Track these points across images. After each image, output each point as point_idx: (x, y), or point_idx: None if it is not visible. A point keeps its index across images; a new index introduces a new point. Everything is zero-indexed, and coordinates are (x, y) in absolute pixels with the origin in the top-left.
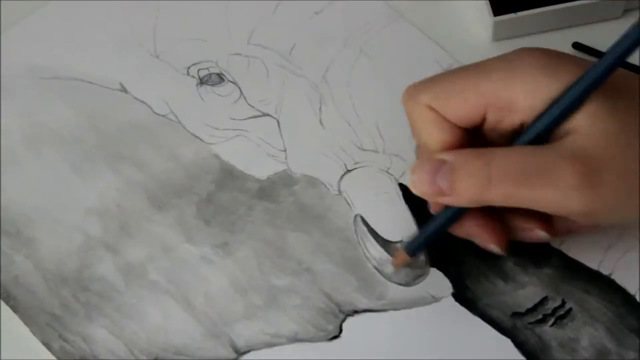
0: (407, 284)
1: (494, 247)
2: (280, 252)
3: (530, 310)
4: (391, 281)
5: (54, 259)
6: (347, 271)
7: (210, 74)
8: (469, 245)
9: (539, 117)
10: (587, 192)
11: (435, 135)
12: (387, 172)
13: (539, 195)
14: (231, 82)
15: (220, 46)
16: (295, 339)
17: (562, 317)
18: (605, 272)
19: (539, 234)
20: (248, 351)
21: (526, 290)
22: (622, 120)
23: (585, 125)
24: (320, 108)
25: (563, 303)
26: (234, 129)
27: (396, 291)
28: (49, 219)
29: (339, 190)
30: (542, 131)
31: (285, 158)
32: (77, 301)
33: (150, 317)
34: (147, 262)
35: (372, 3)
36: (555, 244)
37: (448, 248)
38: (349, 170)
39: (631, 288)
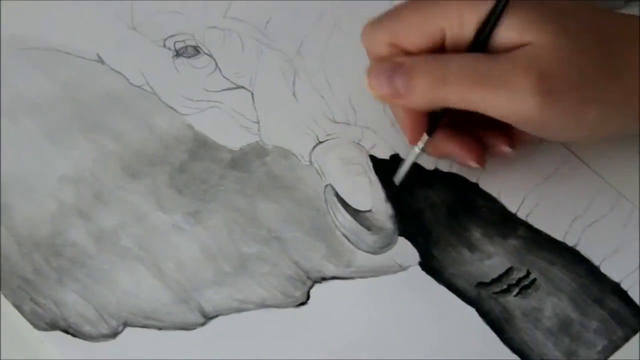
0: (374, 252)
1: (472, 163)
2: (251, 220)
3: (495, 281)
4: (359, 249)
5: (28, 224)
6: (316, 239)
7: (186, 47)
8: (437, 215)
9: (481, 25)
10: (539, 98)
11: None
12: (358, 143)
13: (493, 98)
14: (207, 54)
15: (197, 19)
16: (263, 305)
17: (527, 287)
18: (570, 243)
19: (504, 149)
20: (216, 316)
21: (492, 260)
22: (573, 37)
23: (540, 38)
24: (294, 81)
25: (528, 273)
26: (208, 101)
27: (364, 259)
28: (24, 185)
29: (310, 162)
30: (483, 36)
31: (258, 130)
32: (49, 266)
33: (120, 283)
34: (119, 229)
35: None
36: (522, 215)
37: (416, 217)
38: (320, 142)
39: (595, 259)
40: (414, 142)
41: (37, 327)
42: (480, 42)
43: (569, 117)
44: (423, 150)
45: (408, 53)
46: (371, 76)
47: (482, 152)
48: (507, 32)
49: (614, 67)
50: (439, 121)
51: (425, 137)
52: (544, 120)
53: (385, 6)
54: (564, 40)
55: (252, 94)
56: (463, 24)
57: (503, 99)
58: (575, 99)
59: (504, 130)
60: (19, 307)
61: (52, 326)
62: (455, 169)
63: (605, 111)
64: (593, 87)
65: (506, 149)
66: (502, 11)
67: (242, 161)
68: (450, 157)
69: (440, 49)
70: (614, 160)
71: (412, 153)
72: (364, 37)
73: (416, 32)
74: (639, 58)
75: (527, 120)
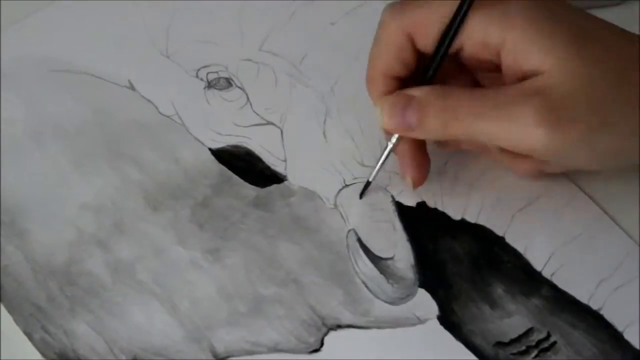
0: (393, 303)
1: (408, 180)
2: (270, 261)
3: (514, 341)
4: (378, 298)
5: (45, 251)
6: (335, 285)
7: (219, 78)
8: (459, 268)
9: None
10: (543, 130)
11: (393, 68)
12: (385, 189)
13: (499, 130)
14: (239, 87)
15: (232, 50)
16: (275, 349)
17: (546, 349)
18: (594, 306)
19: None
20: (227, 357)
21: (512, 319)
22: (589, 66)
23: (552, 65)
24: (325, 120)
25: (548, 336)
26: (236, 135)
27: (382, 309)
28: (44, 211)
29: (335, 205)
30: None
31: (285, 168)
32: (63, 294)
33: (133, 317)
34: (137, 261)
35: None
36: (547, 273)
37: (438, 269)
38: (347, 185)
39: (619, 325)
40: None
41: (46, 356)
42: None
43: (578, 146)
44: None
45: (417, 52)
46: (384, 110)
47: (424, 174)
48: (529, 60)
49: (628, 95)
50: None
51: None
52: (551, 150)
53: None
54: (579, 68)
55: (282, 131)
56: (489, 39)
57: (507, 130)
58: (584, 129)
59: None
60: (29, 335)
61: (61, 356)
62: (482, 221)
63: (618, 139)
64: (605, 115)
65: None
66: (465, 13)
67: (265, 200)
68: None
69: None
70: None
71: (387, 148)
72: (386, 14)
73: (435, 28)
74: None
75: (532, 150)
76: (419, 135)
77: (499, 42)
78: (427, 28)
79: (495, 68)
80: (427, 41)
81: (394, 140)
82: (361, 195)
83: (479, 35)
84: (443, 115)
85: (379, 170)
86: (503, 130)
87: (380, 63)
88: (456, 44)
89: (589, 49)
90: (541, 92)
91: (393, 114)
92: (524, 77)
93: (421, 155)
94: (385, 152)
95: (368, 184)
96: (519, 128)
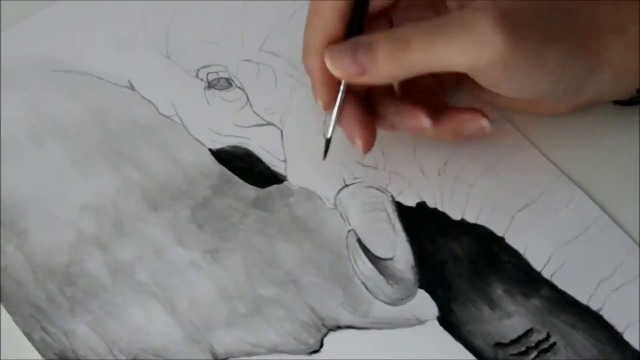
0: (393, 303)
1: (358, 142)
2: (270, 262)
3: (514, 342)
4: (378, 299)
5: (45, 252)
6: (334, 285)
7: (219, 78)
8: (459, 268)
9: None
10: (503, 35)
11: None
12: (385, 189)
13: (456, 47)
14: (239, 88)
15: (232, 51)
16: (275, 350)
17: (545, 350)
18: (594, 307)
19: (423, 121)
20: (227, 358)
21: (512, 320)
22: None
23: None
24: (324, 121)
25: (548, 336)
26: (236, 136)
27: (381, 310)
28: (44, 211)
29: (335, 205)
30: None
31: (285, 169)
32: (63, 295)
33: (133, 317)
34: (136, 262)
35: None
36: (547, 273)
37: (438, 269)
38: (346, 185)
39: (619, 325)
40: (327, 108)
41: (45, 357)
42: None
43: (533, 57)
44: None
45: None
46: (334, 57)
47: (373, 136)
48: None
49: (567, 9)
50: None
51: (343, 84)
52: (510, 60)
53: None
54: None
55: (282, 132)
56: None
57: (466, 43)
58: (537, 38)
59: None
60: (29, 335)
61: (61, 357)
62: (482, 221)
63: (565, 53)
64: (551, 26)
65: (484, 121)
66: None
67: (265, 200)
68: (342, 127)
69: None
70: None
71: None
72: None
73: None
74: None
75: (493, 63)
76: (373, 77)
77: None
78: None
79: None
80: None
81: (341, 87)
82: (324, 155)
83: None
84: (394, 45)
85: (334, 125)
86: (460, 47)
87: (317, 30)
88: None
89: None
90: (494, 4)
91: (343, 56)
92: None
93: (367, 117)
94: (337, 103)
95: (328, 141)
96: (475, 38)
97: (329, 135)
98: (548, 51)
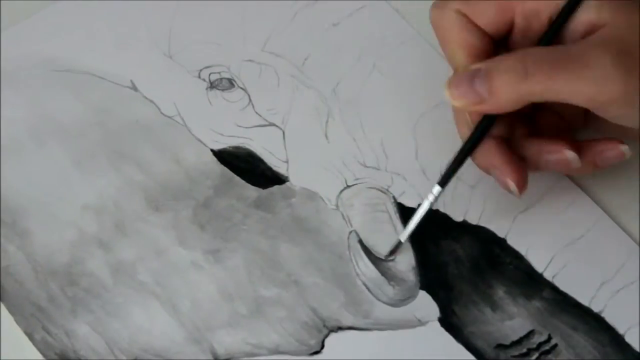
0: (394, 305)
1: (511, 185)
2: (271, 262)
3: (515, 343)
4: (379, 300)
5: (46, 251)
6: (336, 286)
7: (221, 79)
8: (461, 270)
9: (559, 13)
10: (622, 71)
11: (466, 40)
12: (387, 190)
13: (577, 81)
14: (241, 88)
15: (234, 51)
16: (276, 351)
17: (547, 352)
18: (596, 309)
19: (567, 154)
20: (227, 359)
21: (513, 321)
22: None
23: (611, 18)
24: (327, 121)
25: (549, 338)
26: (238, 136)
27: (382, 311)
28: (45, 211)
29: (337, 205)
30: (562, 23)
31: (287, 169)
32: (64, 295)
33: (134, 317)
34: (138, 262)
35: (391, 19)
36: (549, 275)
37: (440, 271)
38: (348, 186)
39: (620, 327)
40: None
41: (46, 356)
42: (557, 27)
43: None
44: (439, 194)
45: (476, 28)
46: (452, 87)
47: (525, 174)
48: (584, 15)
49: None
50: (485, 134)
51: (437, 188)
52: (630, 96)
53: (427, 50)
54: (635, 17)
55: (284, 133)
56: (539, 12)
57: (586, 79)
58: None
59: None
60: (30, 335)
61: (62, 357)
62: (483, 222)
63: None
64: None
65: (569, 153)
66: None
67: (267, 201)
68: (493, 174)
69: (507, 29)
70: None
71: (425, 204)
72: (432, 9)
73: (486, 5)
74: None
75: (611, 98)
76: (492, 106)
77: (551, 7)
78: (480, 6)
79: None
80: (484, 18)
81: (434, 195)
82: (392, 252)
83: (528, 3)
84: (513, 74)
85: (412, 230)
86: (580, 80)
87: (454, 47)
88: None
89: None
90: (613, 40)
91: (461, 84)
92: (585, 35)
93: (510, 153)
94: (424, 207)
95: (399, 244)
96: (596, 75)
97: (403, 239)
98: None
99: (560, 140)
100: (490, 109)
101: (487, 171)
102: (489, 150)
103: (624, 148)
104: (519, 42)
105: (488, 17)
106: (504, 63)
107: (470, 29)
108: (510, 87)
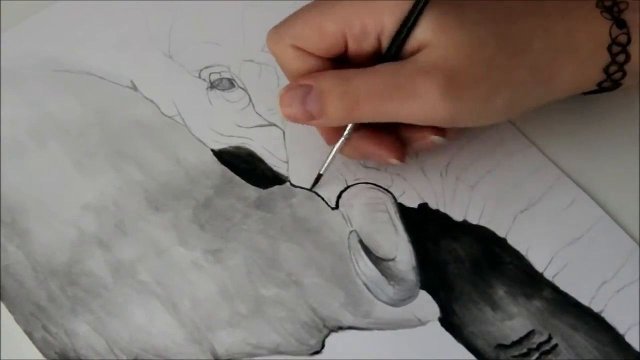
0: (394, 304)
1: (393, 160)
2: (271, 262)
3: (516, 343)
4: (379, 300)
5: (46, 251)
6: (336, 286)
7: (222, 79)
8: (461, 269)
9: (393, 37)
10: (449, 101)
11: (303, 69)
12: (387, 190)
13: (405, 108)
14: (241, 88)
15: (234, 51)
16: (276, 351)
17: (547, 352)
18: (596, 308)
19: (433, 139)
20: None
21: (513, 321)
22: (469, 30)
23: (436, 38)
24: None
25: (549, 338)
26: (239, 136)
27: (383, 310)
28: (46, 211)
29: (337, 205)
30: (395, 48)
31: (287, 169)
32: (64, 294)
33: (134, 317)
34: (138, 261)
35: None
36: (549, 275)
37: (440, 270)
38: (348, 186)
39: (621, 327)
40: (332, 142)
41: (46, 356)
42: (396, 48)
43: (480, 108)
44: (346, 140)
45: (313, 56)
46: (284, 103)
47: (403, 148)
48: (418, 33)
49: (515, 49)
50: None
51: (349, 127)
52: (456, 117)
53: None
54: (460, 36)
55: (284, 133)
56: (366, 33)
57: (414, 107)
58: (484, 91)
59: None
60: (30, 334)
61: (62, 356)
62: (484, 222)
63: (516, 93)
64: (500, 74)
65: (435, 138)
66: (420, 13)
67: (267, 201)
68: (370, 158)
69: (342, 51)
70: None
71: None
72: (268, 42)
73: (316, 35)
74: (534, 28)
75: (442, 121)
76: (323, 123)
77: (378, 29)
78: (311, 39)
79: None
80: (316, 48)
81: (345, 134)
82: (312, 186)
83: (356, 28)
84: (345, 102)
85: (330, 163)
86: (408, 108)
87: (293, 74)
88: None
89: (470, 14)
90: (437, 66)
91: (293, 103)
92: (411, 54)
93: (380, 136)
94: (337, 147)
95: (319, 176)
96: (423, 104)
97: (322, 171)
98: (496, 98)
99: (386, 147)
100: (319, 125)
101: (364, 158)
102: (360, 143)
103: (435, 139)
104: (355, 59)
105: (321, 46)
106: (335, 88)
107: (305, 59)
108: (341, 112)
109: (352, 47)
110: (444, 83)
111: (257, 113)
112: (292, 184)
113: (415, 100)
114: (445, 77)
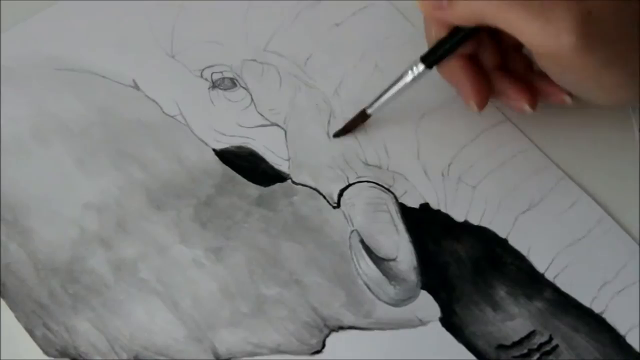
0: (395, 304)
1: (525, 107)
2: (273, 261)
3: (516, 344)
4: (380, 300)
5: (47, 249)
6: (337, 286)
7: (224, 78)
8: (462, 270)
9: None
10: (575, 39)
11: None
12: (388, 189)
13: (529, 23)
14: (243, 88)
15: (236, 51)
16: (277, 351)
17: (548, 353)
18: (597, 309)
19: (524, 107)
20: (229, 359)
21: (514, 322)
22: None
23: None
24: (329, 121)
25: (550, 339)
26: (240, 136)
27: (384, 310)
28: (48, 210)
29: (338, 204)
30: None
31: (288, 167)
32: (65, 292)
33: (135, 315)
34: (139, 260)
35: (393, 19)
36: (550, 275)
37: (441, 271)
38: (350, 185)
39: (622, 328)
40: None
41: (47, 353)
42: None
43: (600, 68)
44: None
45: None
46: None
47: (535, 97)
48: None
49: None
50: (461, 42)
51: (420, 65)
52: (574, 61)
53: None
54: None
55: (286, 133)
56: None
57: (538, 27)
58: (613, 51)
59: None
60: (30, 332)
61: (62, 353)
62: (485, 223)
63: (629, 74)
64: (632, 39)
65: (567, 97)
66: None
67: (269, 199)
68: (502, 98)
69: None
70: None
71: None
72: None
73: None
74: None
75: (556, 56)
76: (449, 14)
77: None
78: None
79: None
80: None
81: (416, 71)
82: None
83: None
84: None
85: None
86: (532, 24)
87: None
88: None
89: None
90: (578, 3)
91: None
92: None
93: (475, 72)
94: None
95: (365, 116)
96: (551, 29)
97: (370, 111)
98: (621, 65)
99: (522, 91)
100: (445, 17)
101: (451, 83)
102: (456, 65)
103: (567, 98)
104: None
105: None
106: None
107: None
108: (468, 8)
109: None
110: (579, 19)
111: (259, 113)
112: (293, 182)
113: (543, 20)
114: (582, 16)
